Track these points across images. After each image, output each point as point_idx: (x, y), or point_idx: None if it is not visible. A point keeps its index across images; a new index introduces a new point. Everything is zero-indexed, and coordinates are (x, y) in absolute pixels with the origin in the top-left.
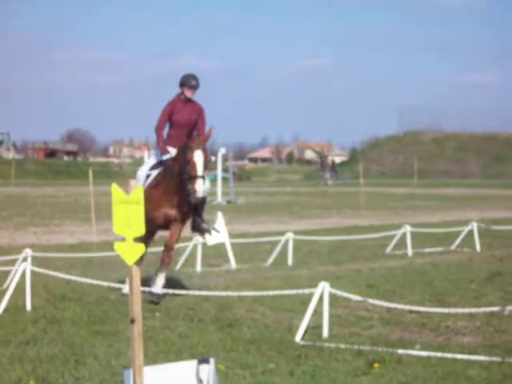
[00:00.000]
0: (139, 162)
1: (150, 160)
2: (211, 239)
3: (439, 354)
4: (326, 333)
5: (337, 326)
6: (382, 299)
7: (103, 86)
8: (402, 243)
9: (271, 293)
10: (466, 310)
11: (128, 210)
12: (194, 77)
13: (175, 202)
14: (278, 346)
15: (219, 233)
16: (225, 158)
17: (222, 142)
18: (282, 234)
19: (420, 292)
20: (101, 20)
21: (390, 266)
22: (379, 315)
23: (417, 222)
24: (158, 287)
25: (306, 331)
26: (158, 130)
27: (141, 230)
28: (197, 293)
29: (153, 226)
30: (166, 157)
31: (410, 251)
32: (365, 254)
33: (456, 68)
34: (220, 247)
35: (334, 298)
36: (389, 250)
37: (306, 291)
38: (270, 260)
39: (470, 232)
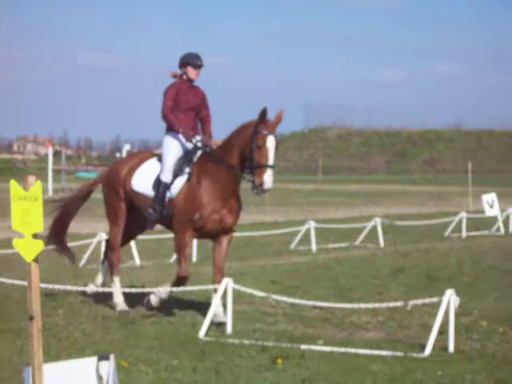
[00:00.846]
0: (44, 159)
1: (170, 149)
2: None
3: (342, 349)
4: (229, 329)
5: (241, 322)
6: (286, 295)
7: (6, 82)
8: (306, 239)
9: (175, 289)
10: (370, 306)
11: (26, 207)
12: (197, 56)
13: (233, 204)
14: (182, 342)
15: None
16: None
17: (127, 138)
18: None
19: (324, 288)
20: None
21: (295, 262)
22: (283, 311)
23: (321, 217)
24: (220, 315)
25: (209, 327)
26: (168, 113)
27: (39, 227)
28: (100, 289)
29: (206, 231)
30: (190, 144)
31: (314, 247)
32: (269, 250)
33: (361, 64)
34: None
35: (238, 295)
36: (293, 245)
37: (210, 287)
38: (174, 256)
39: (374, 228)
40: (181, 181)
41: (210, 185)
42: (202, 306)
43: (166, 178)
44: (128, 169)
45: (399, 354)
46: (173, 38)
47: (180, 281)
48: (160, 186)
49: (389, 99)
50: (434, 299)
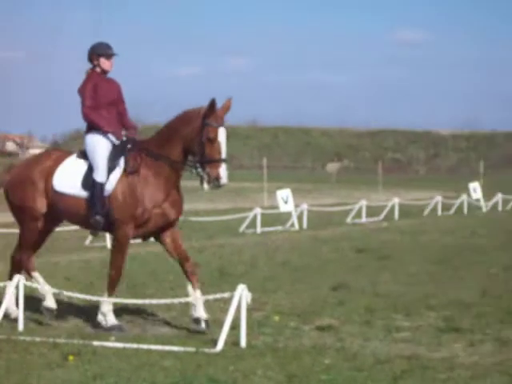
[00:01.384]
0: None
1: (98, 149)
2: None
3: (135, 346)
4: (21, 326)
5: (34, 320)
6: (80, 291)
7: None
8: (101, 235)
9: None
10: (162, 301)
11: None
12: (108, 45)
13: (176, 197)
14: None
15: None
16: None
17: None
18: None
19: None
20: None
21: (89, 259)
22: (76, 307)
23: None
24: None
25: (0, 325)
26: (91, 113)
27: None
28: None
29: (149, 228)
30: (117, 140)
31: (108, 243)
32: (63, 246)
33: (158, 60)
34: None
35: (31, 291)
36: (87, 242)
37: (1, 284)
38: None
39: None
40: (115, 176)
41: (150, 178)
42: None
43: (101, 177)
44: (45, 169)
45: (191, 349)
46: None
47: (115, 279)
48: (96, 187)
49: (184, 95)
50: (226, 294)
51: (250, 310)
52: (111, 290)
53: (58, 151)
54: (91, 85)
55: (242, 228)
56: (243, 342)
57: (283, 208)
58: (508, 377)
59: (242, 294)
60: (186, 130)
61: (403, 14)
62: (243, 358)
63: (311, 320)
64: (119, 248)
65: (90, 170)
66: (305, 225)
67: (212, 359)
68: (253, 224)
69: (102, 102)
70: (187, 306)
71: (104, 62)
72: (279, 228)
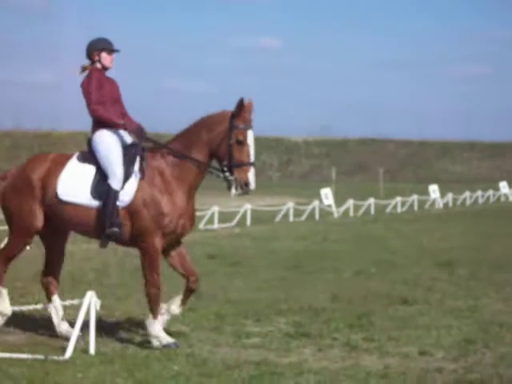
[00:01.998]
0: None
1: (112, 151)
2: None
3: None
4: None
5: None
6: None
7: None
8: None
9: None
10: (14, 309)
11: None
12: (109, 40)
13: (192, 206)
14: None
15: None
16: None
17: None
18: None
19: None
20: None
21: None
22: None
23: None
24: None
25: None
26: (100, 108)
27: None
28: None
29: (169, 241)
30: (129, 138)
31: None
32: None
33: (8, 67)
34: None
35: None
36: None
37: None
38: None
39: None
40: (132, 184)
41: (173, 184)
42: None
43: (118, 184)
44: (44, 175)
45: (40, 357)
46: None
47: (156, 297)
48: (110, 194)
49: (38, 101)
50: (75, 301)
51: (100, 316)
52: (156, 309)
53: (52, 153)
54: (96, 80)
55: None
56: (92, 349)
57: None
58: (356, 382)
59: (91, 301)
60: (212, 133)
61: (259, 21)
62: (92, 365)
63: None
64: (151, 263)
65: (100, 175)
66: None
67: (61, 367)
68: None
69: (107, 98)
70: (37, 313)
71: (105, 58)
72: None
